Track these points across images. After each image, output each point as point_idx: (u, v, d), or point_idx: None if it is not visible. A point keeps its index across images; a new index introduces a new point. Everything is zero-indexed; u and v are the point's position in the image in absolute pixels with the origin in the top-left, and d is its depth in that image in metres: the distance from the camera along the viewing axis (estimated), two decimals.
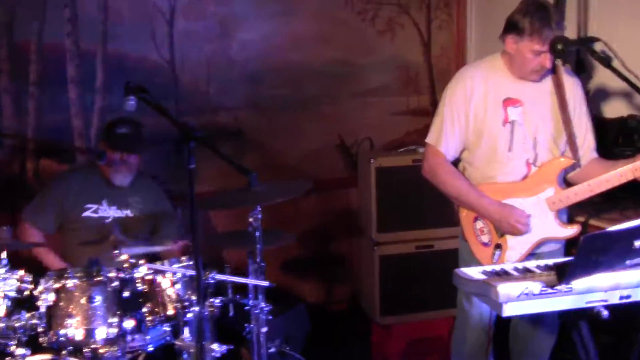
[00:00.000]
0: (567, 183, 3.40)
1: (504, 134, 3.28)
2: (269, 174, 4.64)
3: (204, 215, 4.77)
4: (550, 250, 3.37)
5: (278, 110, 4.98)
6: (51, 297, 3.08)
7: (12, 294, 3.04)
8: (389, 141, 5.22)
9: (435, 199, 3.79)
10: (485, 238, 3.38)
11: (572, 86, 3.34)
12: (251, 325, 3.43)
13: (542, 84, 3.31)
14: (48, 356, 3.08)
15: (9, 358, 2.96)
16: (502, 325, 3.61)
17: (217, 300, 3.38)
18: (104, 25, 4.54)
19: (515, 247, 3.31)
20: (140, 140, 3.95)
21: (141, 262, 3.29)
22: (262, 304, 3.40)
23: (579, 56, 4.08)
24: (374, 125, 5.22)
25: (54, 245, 3.93)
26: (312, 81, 5.05)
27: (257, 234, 3.36)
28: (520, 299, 2.35)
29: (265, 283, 3.36)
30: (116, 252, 3.28)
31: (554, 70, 3.30)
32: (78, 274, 3.16)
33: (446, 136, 3.36)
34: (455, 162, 3.49)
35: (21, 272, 3.10)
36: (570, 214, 3.48)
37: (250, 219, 3.36)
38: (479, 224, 3.39)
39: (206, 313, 3.30)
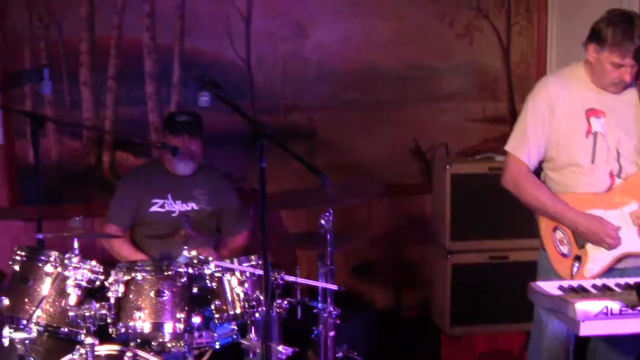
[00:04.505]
0: None
1: (586, 145, 3.21)
2: (342, 175, 4.61)
3: (275, 214, 4.75)
4: (636, 266, 3.23)
5: (353, 111, 4.93)
6: (121, 289, 3.10)
7: (83, 283, 3.09)
8: (465, 148, 5.12)
9: (512, 208, 3.69)
10: (564, 249, 3.28)
11: None
12: (319, 329, 3.39)
13: (625, 96, 3.22)
14: (116, 347, 3.09)
15: (79, 346, 2.99)
16: (580, 344, 3.48)
17: (285, 302, 3.34)
18: (181, 22, 4.57)
19: (596, 260, 3.20)
20: (200, 126, 3.96)
21: (210, 259, 3.28)
22: (331, 308, 3.35)
23: None
24: (450, 130, 5.12)
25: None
26: (388, 83, 4.98)
27: (328, 236, 3.32)
28: (599, 318, 2.27)
29: (334, 287, 3.32)
30: (186, 247, 3.27)
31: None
32: (148, 268, 3.18)
33: (528, 145, 3.29)
34: (537, 172, 3.39)
35: (93, 263, 3.15)
36: None
37: (322, 221, 3.32)
38: (559, 234, 3.29)
39: (274, 314, 3.26)
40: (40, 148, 3.82)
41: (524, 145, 3.29)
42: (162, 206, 3.95)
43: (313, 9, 4.79)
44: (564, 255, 3.28)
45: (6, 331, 2.99)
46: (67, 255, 3.10)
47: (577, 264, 3.20)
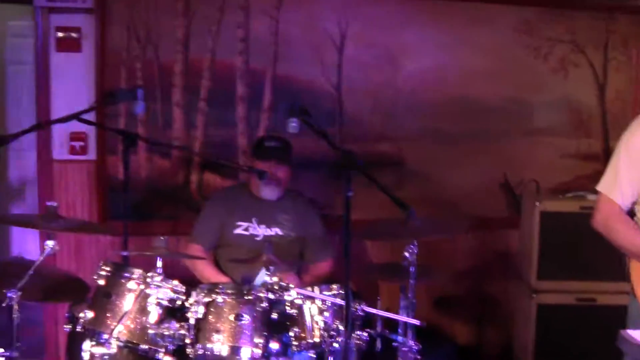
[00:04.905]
0: None
1: None
2: (428, 206, 4.55)
3: (360, 244, 4.70)
4: None
5: (443, 143, 4.87)
6: (201, 310, 3.10)
7: (165, 302, 3.11)
8: (556, 184, 4.99)
9: (602, 250, 3.58)
10: None
11: None
12: None
13: None
14: None
15: None
16: None
17: (364, 334, 3.29)
18: (275, 47, 4.60)
19: None
20: (289, 153, 3.96)
21: (291, 285, 3.26)
22: (411, 342, 3.29)
23: None
24: (541, 166, 5.01)
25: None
26: (478, 116, 4.91)
27: (412, 269, 3.28)
28: None
29: (416, 322, 3.27)
30: (268, 272, 3.26)
31: None
32: (229, 291, 3.18)
33: (621, 185, 3.13)
34: (629, 214, 3.25)
35: (175, 282, 3.16)
36: None
37: (406, 254, 3.28)
38: None
39: (353, 345, 3.21)
40: (131, 165, 3.88)
41: (617, 185, 3.13)
42: (246, 229, 3.96)
43: (407, 40, 4.76)
44: None
45: (87, 345, 3.03)
46: (150, 274, 3.13)
47: None
